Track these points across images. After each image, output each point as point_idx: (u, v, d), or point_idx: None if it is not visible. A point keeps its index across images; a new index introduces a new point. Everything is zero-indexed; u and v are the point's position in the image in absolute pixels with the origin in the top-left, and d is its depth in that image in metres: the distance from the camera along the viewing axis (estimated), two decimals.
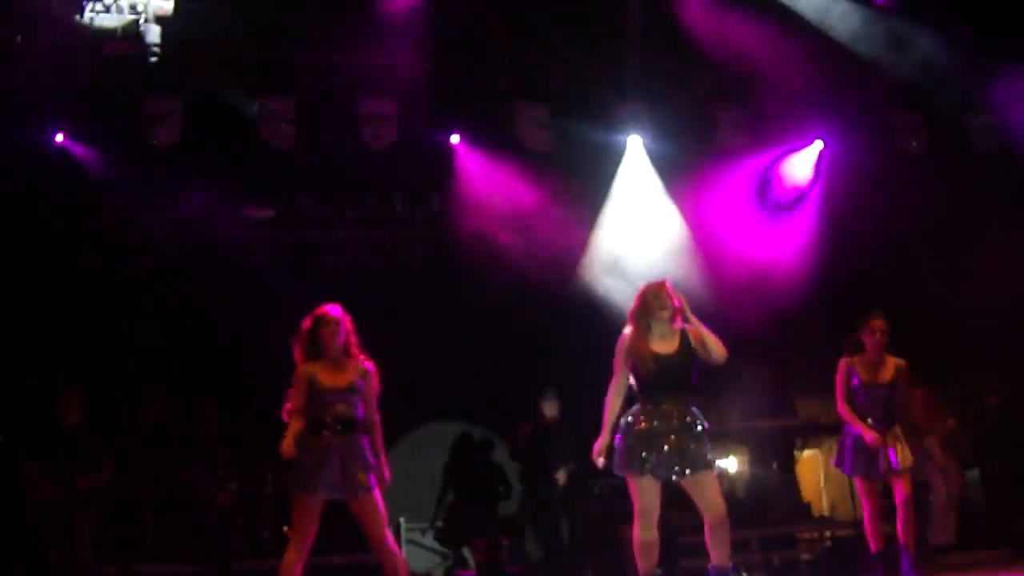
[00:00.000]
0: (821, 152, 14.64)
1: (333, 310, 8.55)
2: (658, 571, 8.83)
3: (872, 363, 9.96)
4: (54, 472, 10.13)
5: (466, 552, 12.64)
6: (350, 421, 8.26)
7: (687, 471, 8.02)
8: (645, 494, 8.11)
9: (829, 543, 13.15)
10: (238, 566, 11.81)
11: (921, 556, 9.97)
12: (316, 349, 8.45)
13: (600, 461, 8.26)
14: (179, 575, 11.75)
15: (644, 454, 8.02)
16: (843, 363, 10.01)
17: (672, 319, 8.25)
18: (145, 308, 14.31)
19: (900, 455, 9.79)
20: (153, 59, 12.09)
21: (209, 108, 12.68)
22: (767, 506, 13.49)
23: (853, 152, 14.40)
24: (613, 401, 8.33)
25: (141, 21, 12.13)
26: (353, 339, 8.51)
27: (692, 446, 8.05)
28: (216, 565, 11.68)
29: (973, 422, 13.29)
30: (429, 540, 13.00)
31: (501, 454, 13.88)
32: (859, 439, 9.82)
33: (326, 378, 8.34)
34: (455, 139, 13.98)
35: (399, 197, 15.06)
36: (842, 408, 9.97)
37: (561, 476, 12.68)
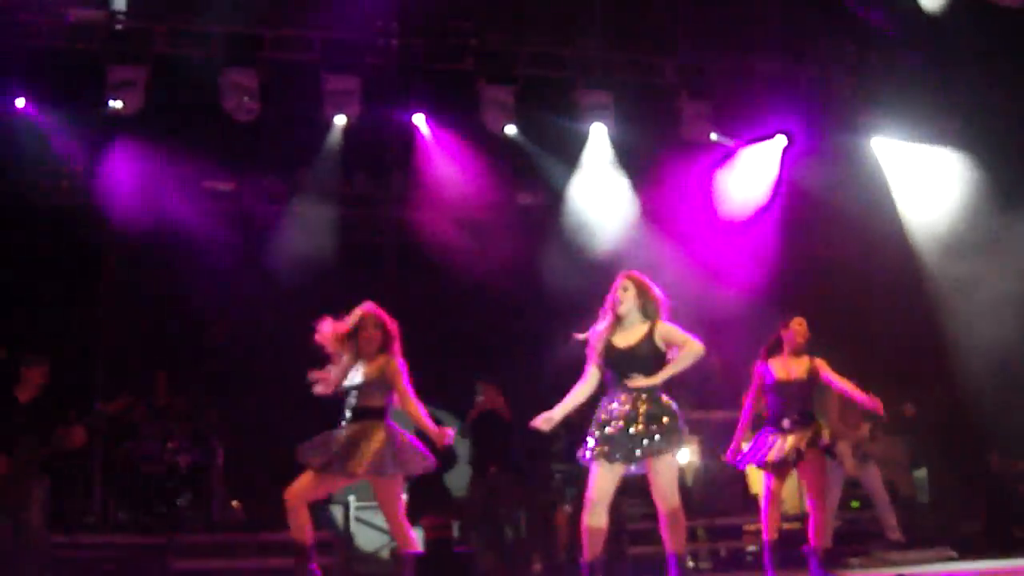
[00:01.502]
0: (785, 148, 14.69)
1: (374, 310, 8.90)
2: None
3: (788, 362, 10.12)
4: (6, 445, 10.05)
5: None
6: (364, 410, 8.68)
7: (645, 458, 8.09)
8: (600, 481, 8.16)
9: (775, 535, 13.23)
10: (186, 539, 11.78)
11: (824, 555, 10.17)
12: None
13: (539, 425, 8.32)
14: (127, 547, 11.69)
15: (602, 442, 8.09)
16: (759, 363, 10.18)
17: (637, 312, 8.32)
18: (103, 277, 14.24)
19: (813, 452, 10.01)
20: (118, 27, 11.98)
21: (173, 79, 12.59)
22: (716, 497, 13.57)
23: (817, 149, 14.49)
24: (578, 388, 8.38)
25: None
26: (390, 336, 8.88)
27: (652, 434, 8.10)
28: (164, 538, 11.64)
29: (898, 427, 13.43)
30: (379, 519, 13.01)
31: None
32: (760, 433, 10.03)
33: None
34: (418, 119, 13.95)
35: (360, 175, 15.02)
36: (746, 406, 10.19)
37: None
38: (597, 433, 8.15)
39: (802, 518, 12.02)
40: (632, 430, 8.09)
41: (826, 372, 10.17)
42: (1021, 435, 14.15)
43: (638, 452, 8.08)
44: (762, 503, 10.23)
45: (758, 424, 10.24)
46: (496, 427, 13.13)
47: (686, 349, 8.23)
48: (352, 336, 8.82)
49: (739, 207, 15.07)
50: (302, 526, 8.55)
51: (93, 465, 12.46)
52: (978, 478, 14.32)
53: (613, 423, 8.14)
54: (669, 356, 8.24)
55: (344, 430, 8.62)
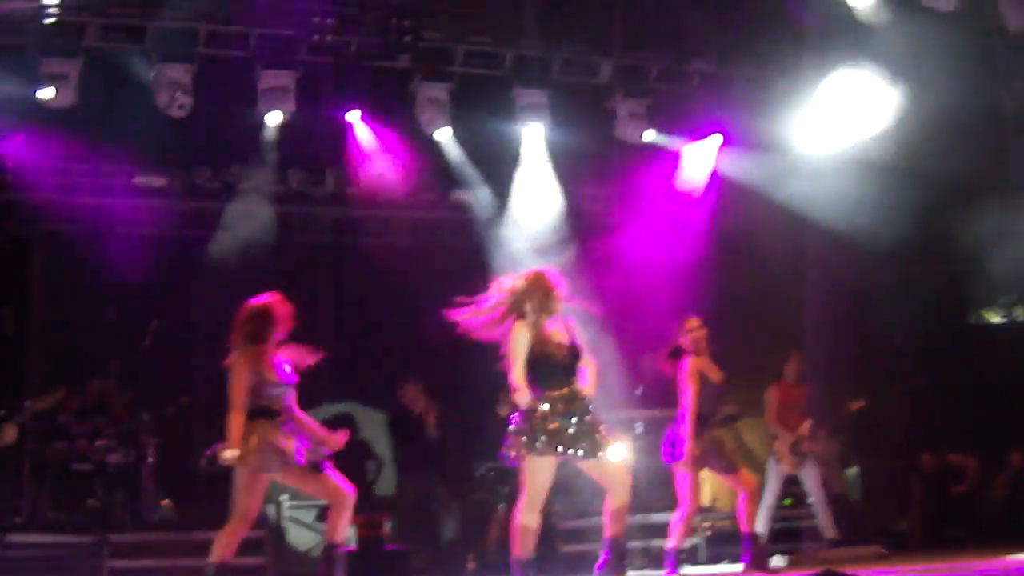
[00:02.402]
0: (720, 147, 14.75)
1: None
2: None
3: (705, 362, 10.29)
4: None
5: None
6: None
7: (597, 453, 8.16)
8: (540, 476, 8.22)
9: (708, 533, 13.33)
10: (118, 539, 11.69)
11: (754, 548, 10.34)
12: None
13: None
14: (57, 546, 11.59)
15: (548, 435, 8.13)
16: (691, 359, 10.28)
17: (555, 311, 8.42)
18: (35, 274, 14.12)
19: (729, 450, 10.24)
20: (49, 20, 11.85)
21: (105, 72, 12.47)
22: (649, 494, 13.62)
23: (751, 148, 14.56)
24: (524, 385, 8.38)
25: None
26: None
27: (597, 430, 8.20)
28: (95, 538, 11.55)
29: (840, 425, 13.55)
30: (311, 518, 12.97)
31: (371, 431, 13.91)
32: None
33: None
34: (353, 116, 13.90)
35: (294, 172, 14.97)
36: (687, 406, 10.30)
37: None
38: (540, 425, 8.18)
39: (733, 516, 12.17)
40: (582, 425, 8.18)
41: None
42: (953, 429, 14.35)
43: (588, 447, 8.17)
44: (681, 510, 10.37)
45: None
46: (420, 426, 13.14)
47: (591, 369, 8.40)
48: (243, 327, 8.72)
49: (673, 205, 15.12)
50: (231, 549, 8.48)
51: (22, 464, 12.31)
52: (911, 474, 14.49)
53: (562, 419, 8.20)
54: None
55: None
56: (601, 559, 8.54)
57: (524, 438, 8.20)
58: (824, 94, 13.71)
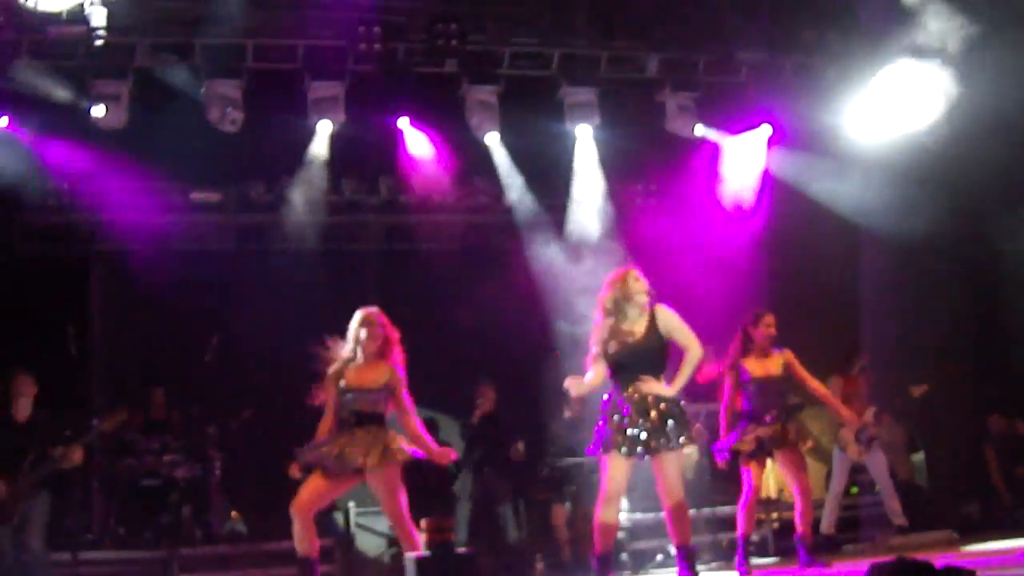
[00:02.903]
0: (770, 138, 14.68)
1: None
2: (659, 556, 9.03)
3: (762, 358, 10.22)
4: (5, 466, 10.02)
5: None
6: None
7: (657, 451, 8.16)
8: (616, 474, 8.25)
9: (776, 524, 13.28)
10: (188, 553, 11.78)
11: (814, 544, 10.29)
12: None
13: (571, 386, 8.39)
14: (129, 562, 11.70)
15: (618, 434, 8.16)
16: (730, 361, 10.27)
17: (638, 304, 8.41)
18: (93, 294, 14.25)
19: (795, 442, 10.14)
20: (99, 42, 11.95)
21: (156, 91, 12.58)
22: (715, 488, 13.59)
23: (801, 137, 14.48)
24: (592, 381, 8.45)
25: (86, 4, 12.01)
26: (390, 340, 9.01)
27: (666, 427, 8.20)
28: (166, 552, 11.64)
29: (904, 411, 13.45)
30: (380, 524, 13.01)
31: (449, 434, 13.97)
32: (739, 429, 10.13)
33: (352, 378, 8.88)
34: (403, 123, 13.94)
35: (347, 182, 15.03)
36: (723, 405, 10.45)
37: (518, 448, 12.88)
38: (612, 426, 8.23)
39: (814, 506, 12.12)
40: (647, 423, 8.18)
41: (798, 369, 10.32)
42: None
43: (654, 444, 8.17)
44: (742, 498, 10.33)
45: (734, 422, 10.34)
46: (495, 429, 13.21)
47: (691, 354, 8.41)
48: (354, 340, 8.88)
49: (727, 198, 15.05)
50: (308, 539, 8.60)
51: (91, 482, 12.43)
52: (984, 443, 14.39)
53: (628, 417, 8.22)
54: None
55: (344, 434, 8.67)
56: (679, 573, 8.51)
57: (604, 437, 8.26)
58: (876, 84, 13.59)
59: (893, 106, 13.60)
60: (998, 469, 14.31)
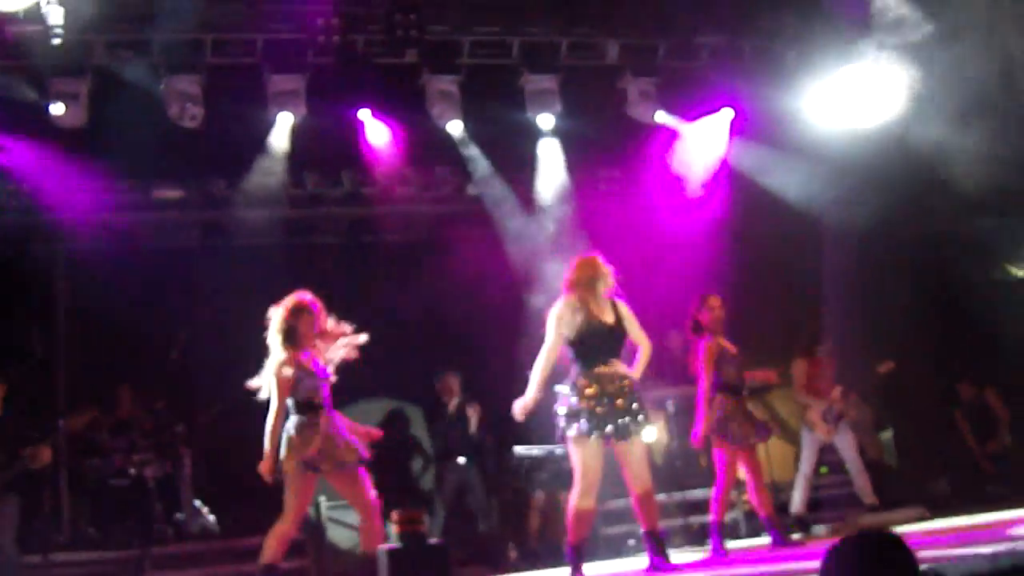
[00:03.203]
0: (732, 121, 14.71)
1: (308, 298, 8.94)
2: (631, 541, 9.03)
3: (719, 336, 10.33)
4: None
5: (388, 526, 12.66)
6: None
7: (627, 434, 8.18)
8: (592, 459, 8.25)
9: (747, 507, 13.32)
10: (160, 551, 11.75)
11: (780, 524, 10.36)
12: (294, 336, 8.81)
13: (520, 415, 8.43)
14: (100, 562, 11.66)
15: (594, 417, 8.16)
16: (708, 343, 10.29)
17: (605, 291, 8.45)
18: (58, 294, 14.17)
19: (744, 428, 10.23)
20: (56, 40, 11.88)
21: (115, 89, 12.51)
22: (684, 472, 13.64)
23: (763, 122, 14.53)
24: (545, 367, 8.44)
25: (43, 3, 11.94)
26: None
27: (633, 410, 8.23)
28: (138, 551, 11.60)
29: (870, 389, 13.53)
30: (350, 517, 13.00)
31: (418, 426, 14.00)
32: (727, 409, 10.12)
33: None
34: (365, 114, 13.91)
35: (309, 175, 14.98)
36: (702, 384, 10.42)
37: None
38: (581, 411, 8.21)
39: (770, 487, 12.20)
40: (622, 408, 8.20)
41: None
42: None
43: (630, 429, 8.19)
44: (716, 484, 10.38)
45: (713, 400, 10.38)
46: (457, 419, 13.23)
47: (644, 348, 8.46)
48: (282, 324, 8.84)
49: (690, 183, 15.09)
50: (282, 550, 8.57)
51: (60, 482, 12.38)
52: (953, 410, 14.48)
53: (605, 401, 8.23)
54: None
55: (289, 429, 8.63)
56: (649, 561, 8.52)
57: (574, 421, 8.25)
58: (835, 77, 13.69)
59: (852, 99, 13.71)
60: (970, 433, 14.41)
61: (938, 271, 14.30)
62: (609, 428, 8.21)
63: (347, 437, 8.75)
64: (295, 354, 8.74)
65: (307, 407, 8.67)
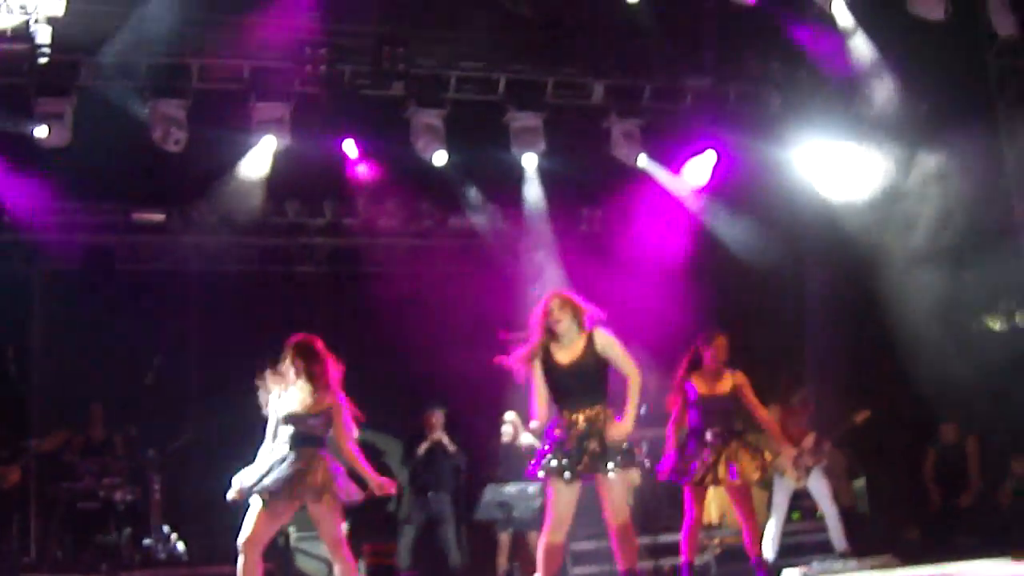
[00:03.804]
0: (715, 164, 14.78)
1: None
2: None
3: (711, 377, 10.28)
4: None
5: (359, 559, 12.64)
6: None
7: (596, 470, 8.16)
8: (562, 498, 8.23)
9: (718, 550, 13.30)
10: None
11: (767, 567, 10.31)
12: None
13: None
14: None
15: (560, 459, 8.14)
16: (679, 378, 10.30)
17: (574, 328, 8.38)
18: (35, 313, 14.12)
19: (742, 468, 10.13)
20: (43, 60, 11.87)
21: (100, 110, 12.49)
22: (656, 514, 13.61)
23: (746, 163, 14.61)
24: (539, 406, 8.41)
25: (31, 21, 11.92)
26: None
27: (603, 450, 8.19)
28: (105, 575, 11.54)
29: (846, 437, 13.51)
30: (319, 548, 12.93)
31: (392, 458, 13.96)
32: (686, 448, 10.17)
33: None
34: (348, 145, 13.92)
35: (291, 203, 14.97)
36: (671, 423, 10.42)
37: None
38: (556, 451, 8.19)
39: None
40: (593, 447, 8.17)
41: (747, 391, 10.38)
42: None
43: (597, 467, 8.17)
44: (684, 524, 10.35)
45: (682, 440, 10.38)
46: (443, 455, 13.23)
47: (633, 381, 8.40)
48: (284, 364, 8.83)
49: (669, 223, 15.14)
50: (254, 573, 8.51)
51: (29, 504, 12.29)
52: (929, 449, 14.48)
53: (572, 441, 8.20)
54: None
55: (286, 459, 8.60)
56: None
57: (548, 461, 8.23)
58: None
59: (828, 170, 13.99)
60: (933, 477, 14.36)
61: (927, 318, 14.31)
62: (577, 467, 8.18)
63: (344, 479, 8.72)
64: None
65: (309, 441, 8.72)
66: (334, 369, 8.86)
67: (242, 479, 8.57)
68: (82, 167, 12.84)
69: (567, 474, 8.18)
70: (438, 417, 13.34)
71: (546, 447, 8.32)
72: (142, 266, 14.64)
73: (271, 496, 8.49)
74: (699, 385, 10.37)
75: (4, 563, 11.37)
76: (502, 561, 12.72)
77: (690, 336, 10.78)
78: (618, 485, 8.34)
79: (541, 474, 8.31)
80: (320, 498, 8.54)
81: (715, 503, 13.74)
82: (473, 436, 13.59)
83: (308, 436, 8.69)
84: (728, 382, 10.39)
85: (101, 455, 12.68)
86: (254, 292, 14.42)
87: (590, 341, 8.42)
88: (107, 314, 13.39)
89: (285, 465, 8.56)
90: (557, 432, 8.30)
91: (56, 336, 14.02)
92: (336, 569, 8.73)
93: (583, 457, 8.19)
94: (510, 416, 12.71)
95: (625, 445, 8.31)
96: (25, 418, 13.31)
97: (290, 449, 8.63)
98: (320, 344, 8.89)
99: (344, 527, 8.82)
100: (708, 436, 10.23)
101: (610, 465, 8.23)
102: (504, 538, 12.67)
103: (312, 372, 8.78)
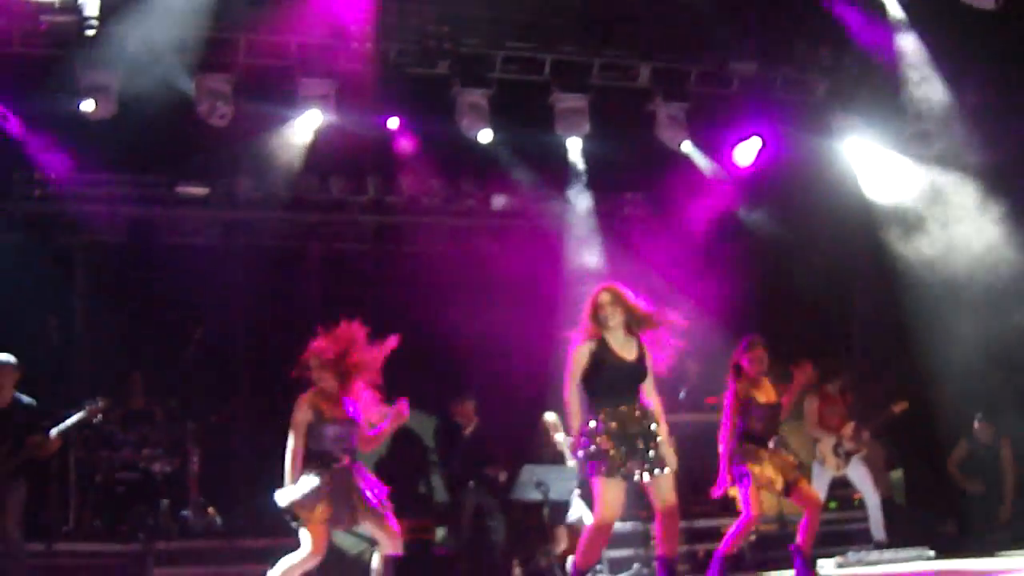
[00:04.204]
0: (760, 149, 14.72)
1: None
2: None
3: (761, 384, 10.20)
4: None
5: None
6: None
7: (654, 471, 8.14)
8: (610, 497, 8.21)
9: (753, 537, 13.26)
10: (163, 547, 11.73)
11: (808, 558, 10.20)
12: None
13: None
14: (104, 555, 11.64)
15: (615, 457, 8.10)
16: (739, 389, 10.21)
17: (627, 324, 8.36)
18: (77, 285, 14.20)
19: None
20: (90, 32, 11.90)
21: (146, 83, 12.52)
22: (693, 499, 13.60)
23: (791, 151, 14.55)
24: (575, 404, 8.38)
25: None
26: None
27: (655, 447, 8.18)
28: (141, 546, 11.59)
29: (884, 428, 13.45)
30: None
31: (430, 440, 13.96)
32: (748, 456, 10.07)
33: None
34: (393, 123, 13.92)
35: (335, 180, 14.99)
36: (727, 430, 10.24)
37: (502, 476, 12.82)
38: (606, 448, 8.15)
39: (778, 520, 12.13)
40: (648, 448, 8.17)
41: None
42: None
43: (656, 470, 8.16)
44: (740, 520, 10.22)
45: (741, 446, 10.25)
46: (476, 442, 13.17)
47: (659, 410, 8.39)
48: (339, 361, 8.77)
49: (714, 208, 15.10)
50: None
51: (68, 473, 12.36)
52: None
53: (625, 441, 8.17)
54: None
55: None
56: None
57: (597, 462, 8.20)
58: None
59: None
60: (960, 459, 14.19)
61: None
62: (629, 469, 8.16)
63: (363, 489, 8.69)
64: (323, 395, 8.75)
65: (319, 461, 8.62)
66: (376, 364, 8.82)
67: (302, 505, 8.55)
68: (127, 140, 12.89)
69: (622, 471, 8.15)
70: (470, 405, 13.25)
71: (600, 442, 8.26)
72: (184, 239, 14.69)
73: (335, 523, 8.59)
74: (756, 392, 10.27)
75: (42, 532, 11.44)
76: (539, 543, 12.64)
77: (730, 323, 10.72)
78: (666, 482, 8.33)
79: (592, 473, 8.26)
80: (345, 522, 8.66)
81: None
82: (511, 419, 13.54)
83: (320, 451, 8.68)
84: (772, 390, 10.33)
85: (141, 426, 12.74)
86: (296, 268, 14.46)
87: (642, 349, 8.42)
88: (149, 286, 13.46)
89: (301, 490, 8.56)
90: (613, 426, 8.25)
91: (98, 307, 14.10)
92: (381, 540, 8.74)
93: (635, 455, 8.17)
94: (551, 417, 12.63)
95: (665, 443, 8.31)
96: (67, 388, 13.38)
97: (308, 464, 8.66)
98: (343, 338, 8.82)
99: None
100: (771, 445, 10.19)
101: (657, 472, 8.20)
102: (543, 520, 12.58)
103: (359, 366, 8.78)
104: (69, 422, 10.56)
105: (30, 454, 10.19)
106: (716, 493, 10.42)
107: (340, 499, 8.51)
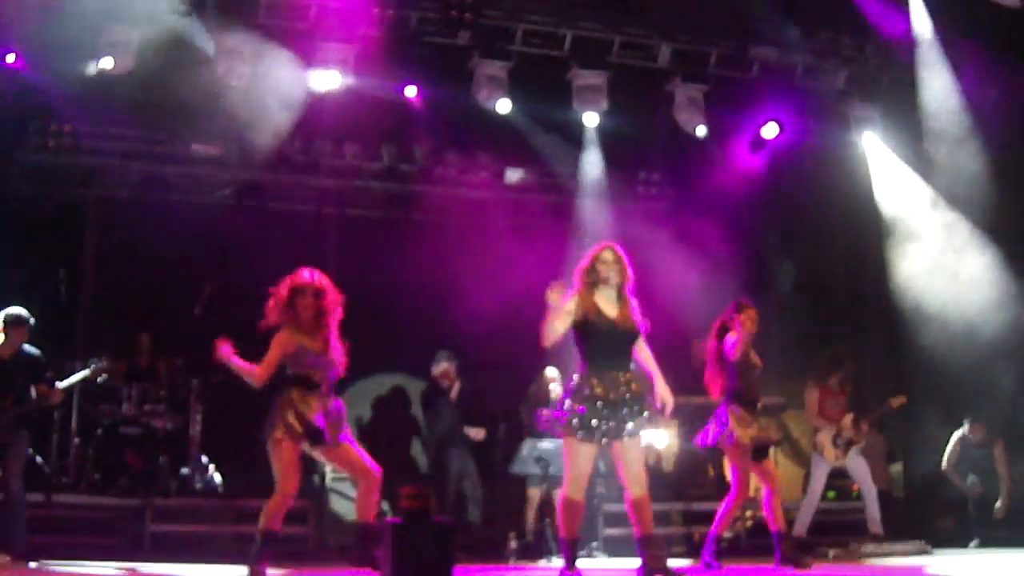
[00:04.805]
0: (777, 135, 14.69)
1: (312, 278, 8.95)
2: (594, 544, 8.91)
3: (747, 346, 10.16)
4: None
5: (384, 505, 12.60)
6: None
7: (621, 436, 8.07)
8: (579, 459, 8.15)
9: (750, 522, 13.29)
10: (162, 503, 11.77)
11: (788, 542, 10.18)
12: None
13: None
14: (102, 508, 11.68)
15: (590, 420, 8.04)
16: (713, 341, 10.19)
17: (620, 287, 8.31)
18: (88, 239, 14.21)
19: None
20: None
21: (166, 41, 12.50)
22: (692, 482, 13.61)
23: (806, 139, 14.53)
24: (548, 335, 8.29)
25: None
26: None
27: (631, 414, 8.10)
28: (140, 501, 11.62)
29: (882, 421, 13.45)
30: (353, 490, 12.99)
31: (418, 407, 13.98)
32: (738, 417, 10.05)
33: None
34: (410, 91, 13.89)
35: (350, 146, 14.97)
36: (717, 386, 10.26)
37: (478, 434, 12.84)
38: (587, 408, 8.08)
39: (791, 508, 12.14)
40: (624, 409, 8.09)
41: None
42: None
43: (625, 430, 8.08)
44: (765, 493, 10.18)
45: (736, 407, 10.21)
46: (459, 405, 13.13)
47: (655, 367, 8.30)
48: (289, 305, 8.80)
49: (729, 192, 15.06)
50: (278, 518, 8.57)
51: (69, 424, 12.39)
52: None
53: (604, 400, 8.10)
54: None
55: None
56: (640, 564, 8.37)
57: (566, 421, 8.14)
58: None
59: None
60: (954, 456, 14.16)
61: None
62: (598, 429, 8.07)
63: (335, 419, 8.73)
64: (303, 330, 8.80)
65: (303, 383, 8.69)
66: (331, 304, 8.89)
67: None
68: (144, 96, 12.89)
69: (581, 434, 8.09)
70: (451, 367, 13.16)
71: (578, 406, 8.21)
72: (197, 198, 14.68)
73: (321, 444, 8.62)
74: (751, 356, 10.24)
75: (40, 482, 11.47)
76: (531, 516, 12.66)
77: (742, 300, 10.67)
78: (633, 449, 8.24)
79: (561, 430, 8.21)
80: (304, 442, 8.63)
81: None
82: (514, 390, 13.51)
83: (296, 374, 8.79)
84: (756, 354, 10.31)
85: (144, 381, 12.75)
86: (306, 231, 14.44)
87: (631, 308, 8.36)
88: (159, 243, 13.44)
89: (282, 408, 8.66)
90: (597, 390, 8.20)
91: (107, 261, 14.11)
92: (359, 483, 8.84)
93: (604, 420, 8.09)
94: (552, 372, 12.59)
95: (643, 407, 8.23)
96: (72, 341, 13.41)
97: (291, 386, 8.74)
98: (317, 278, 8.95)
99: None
100: (759, 406, 10.19)
101: (629, 429, 8.13)
102: (534, 493, 12.59)
103: (307, 307, 8.86)
104: (73, 379, 10.60)
105: (34, 405, 10.22)
106: (700, 441, 10.38)
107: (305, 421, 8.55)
